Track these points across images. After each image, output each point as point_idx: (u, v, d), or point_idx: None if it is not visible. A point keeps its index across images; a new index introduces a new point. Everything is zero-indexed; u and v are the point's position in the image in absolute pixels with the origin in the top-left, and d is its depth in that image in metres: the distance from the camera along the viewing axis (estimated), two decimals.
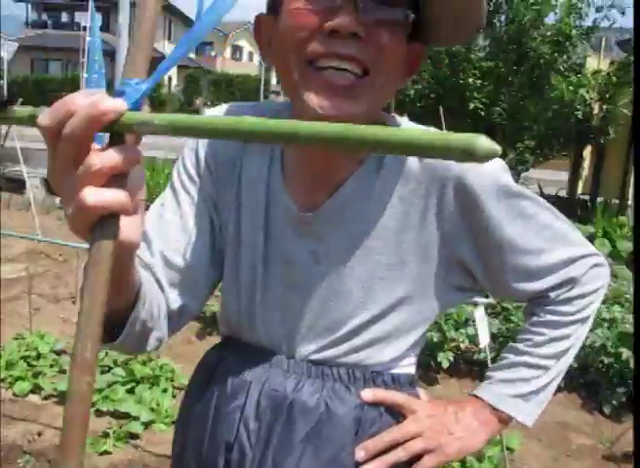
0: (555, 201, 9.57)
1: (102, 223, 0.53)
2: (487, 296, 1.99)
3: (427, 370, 4.05)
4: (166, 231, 0.96)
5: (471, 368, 4.05)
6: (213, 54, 41.53)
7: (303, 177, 0.95)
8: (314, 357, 0.96)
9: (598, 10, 8.84)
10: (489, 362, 2.36)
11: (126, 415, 3.12)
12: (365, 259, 0.93)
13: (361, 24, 0.78)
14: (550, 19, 8.61)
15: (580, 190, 10.51)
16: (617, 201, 9.05)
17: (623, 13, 8.70)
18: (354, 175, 0.92)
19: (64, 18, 36.03)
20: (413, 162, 0.91)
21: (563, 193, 10.60)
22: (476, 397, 1.00)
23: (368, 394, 0.95)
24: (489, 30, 8.73)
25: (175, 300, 0.95)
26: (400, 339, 0.97)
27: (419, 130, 0.42)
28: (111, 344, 0.80)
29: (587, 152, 10.42)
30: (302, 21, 0.80)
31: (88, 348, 0.51)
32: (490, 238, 0.92)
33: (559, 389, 1.91)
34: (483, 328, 2.27)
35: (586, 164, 10.56)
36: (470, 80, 8.19)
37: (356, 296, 0.94)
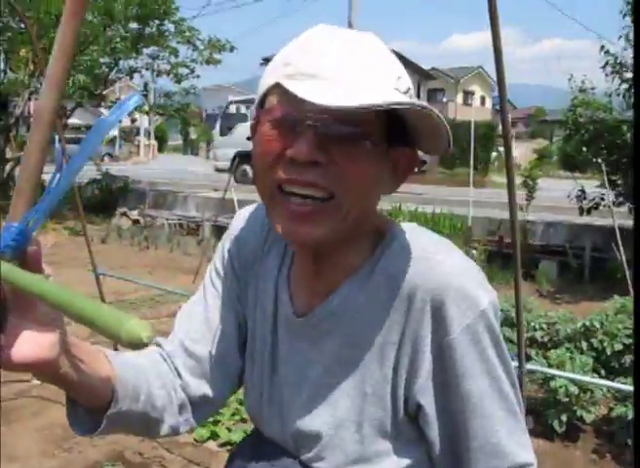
0: None
1: None
2: None
3: None
4: (189, 323, 1.01)
5: None
6: (444, 100, 41.29)
7: (303, 282, 0.95)
8: (305, 457, 0.94)
9: None
10: None
11: None
12: (351, 370, 0.90)
13: (321, 150, 0.77)
14: None
15: None
16: None
17: None
18: (346, 282, 0.91)
19: None
20: (398, 275, 0.87)
21: None
22: None
23: None
24: None
25: (195, 389, 0.98)
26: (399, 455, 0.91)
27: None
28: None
29: None
30: (267, 148, 0.81)
31: None
32: (454, 382, 0.86)
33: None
34: None
35: None
36: None
37: (343, 406, 0.91)
